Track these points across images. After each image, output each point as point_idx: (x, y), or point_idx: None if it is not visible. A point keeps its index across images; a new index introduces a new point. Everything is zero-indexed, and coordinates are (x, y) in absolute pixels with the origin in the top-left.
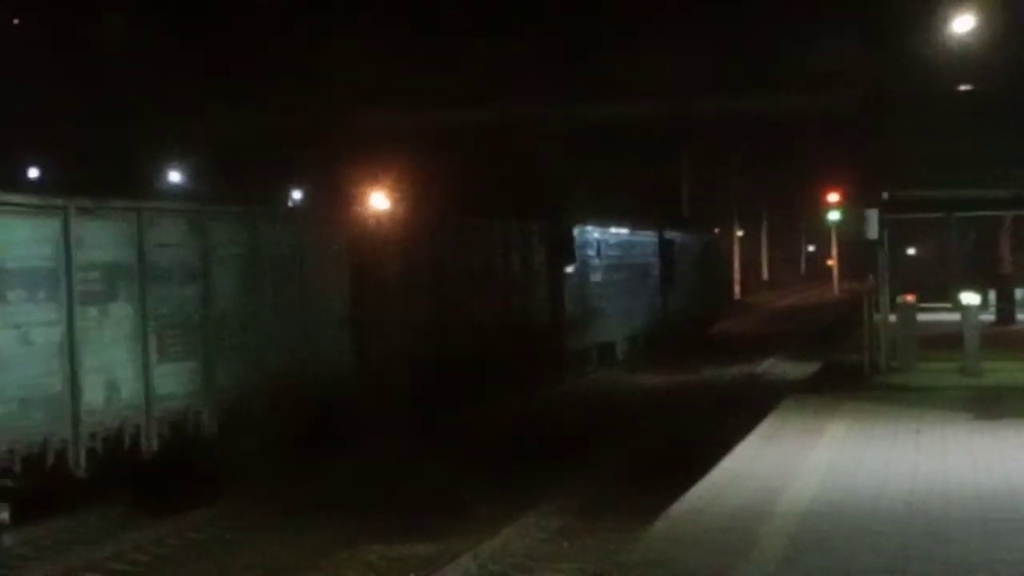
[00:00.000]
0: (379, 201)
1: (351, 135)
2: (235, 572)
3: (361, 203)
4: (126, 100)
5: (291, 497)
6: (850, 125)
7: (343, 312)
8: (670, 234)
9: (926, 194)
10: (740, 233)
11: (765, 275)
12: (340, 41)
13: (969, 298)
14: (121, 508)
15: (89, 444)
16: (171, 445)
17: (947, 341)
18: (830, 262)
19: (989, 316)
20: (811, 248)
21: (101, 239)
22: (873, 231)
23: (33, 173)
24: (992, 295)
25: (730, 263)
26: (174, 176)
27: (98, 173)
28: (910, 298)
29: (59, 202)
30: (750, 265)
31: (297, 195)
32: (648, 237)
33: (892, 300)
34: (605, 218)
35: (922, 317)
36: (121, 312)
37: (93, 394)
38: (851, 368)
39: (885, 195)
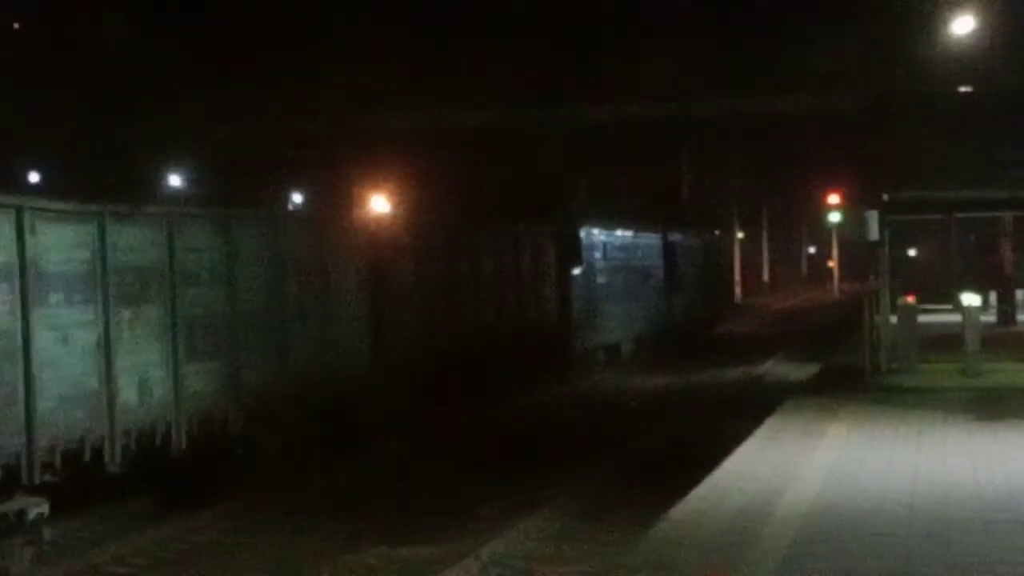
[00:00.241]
0: (379, 203)
1: (351, 136)
2: (236, 574)
3: (364, 205)
4: (126, 101)
5: (292, 498)
6: (850, 126)
7: (362, 313)
8: (673, 236)
9: (926, 195)
10: (741, 235)
11: (766, 277)
12: (340, 42)
13: (970, 299)
14: (121, 509)
15: (124, 441)
16: (197, 442)
17: (948, 342)
18: (831, 263)
19: (990, 317)
20: (812, 250)
21: (134, 243)
22: (873, 232)
23: (34, 178)
24: (993, 296)
25: (731, 265)
26: (174, 180)
27: (98, 175)
28: (911, 299)
29: (95, 208)
30: (751, 267)
31: (297, 197)
32: (652, 239)
33: (893, 301)
34: (609, 220)
35: (923, 318)
36: (153, 313)
37: (127, 392)
38: (852, 369)
39: (885, 196)
